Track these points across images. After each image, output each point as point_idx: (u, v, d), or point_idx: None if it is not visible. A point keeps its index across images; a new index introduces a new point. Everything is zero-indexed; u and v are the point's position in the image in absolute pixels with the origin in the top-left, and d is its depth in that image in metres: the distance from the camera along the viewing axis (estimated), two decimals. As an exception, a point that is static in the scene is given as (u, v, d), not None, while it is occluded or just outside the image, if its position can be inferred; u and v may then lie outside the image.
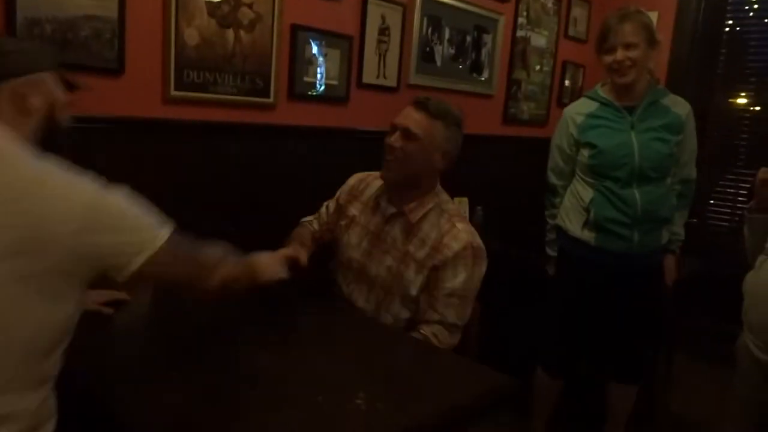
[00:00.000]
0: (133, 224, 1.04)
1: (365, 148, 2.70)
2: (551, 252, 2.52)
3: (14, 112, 1.06)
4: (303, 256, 1.75)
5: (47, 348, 1.01)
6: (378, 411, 1.21)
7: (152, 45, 1.97)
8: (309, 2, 2.40)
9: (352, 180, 2.02)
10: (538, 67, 3.74)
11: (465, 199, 3.28)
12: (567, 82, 3.99)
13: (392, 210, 1.83)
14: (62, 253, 0.96)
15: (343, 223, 1.95)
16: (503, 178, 3.57)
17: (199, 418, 1.13)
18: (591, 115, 2.31)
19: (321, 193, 2.12)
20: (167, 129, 2.06)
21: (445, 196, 1.87)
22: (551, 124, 3.90)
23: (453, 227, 1.76)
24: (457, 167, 3.16)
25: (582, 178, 2.33)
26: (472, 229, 1.82)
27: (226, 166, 2.23)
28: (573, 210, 2.35)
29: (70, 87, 1.22)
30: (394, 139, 1.75)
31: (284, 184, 2.40)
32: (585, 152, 2.29)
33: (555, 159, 2.48)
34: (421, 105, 1.75)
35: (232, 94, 2.20)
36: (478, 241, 1.78)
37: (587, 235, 2.27)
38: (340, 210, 1.98)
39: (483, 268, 1.78)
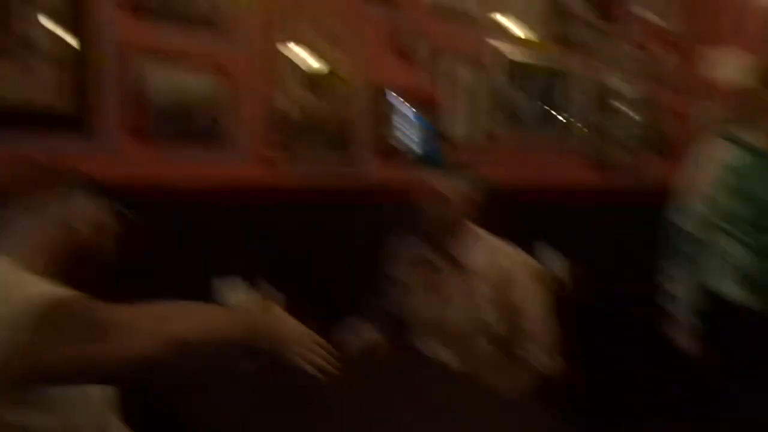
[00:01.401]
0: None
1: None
2: (683, 317, 2.10)
3: (41, 231, 1.07)
4: (378, 344, 1.84)
5: None
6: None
7: (253, 118, 2.15)
8: (392, 66, 2.53)
9: (394, 247, 2.05)
10: (625, 113, 3.66)
11: (550, 249, 3.19)
12: (656, 129, 3.86)
13: (439, 258, 1.89)
14: None
15: (399, 289, 1.99)
16: (596, 228, 3.46)
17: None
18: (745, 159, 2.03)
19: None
20: (266, 194, 2.19)
21: (481, 231, 1.92)
22: (645, 172, 3.78)
23: (501, 250, 1.86)
24: (541, 218, 3.15)
25: (730, 231, 2.05)
26: (521, 251, 1.91)
27: (321, 227, 2.29)
28: (722, 267, 2.02)
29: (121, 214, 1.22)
30: (427, 201, 1.86)
31: (375, 241, 2.46)
32: (739, 202, 2.04)
33: (695, 205, 2.12)
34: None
35: (325, 159, 2.33)
36: (530, 257, 1.91)
37: (746, 298, 1.94)
38: (393, 280, 2.02)
39: (545, 281, 1.89)
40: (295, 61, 2.23)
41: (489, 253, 1.85)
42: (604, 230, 3.46)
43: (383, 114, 2.50)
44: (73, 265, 1.07)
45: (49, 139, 1.74)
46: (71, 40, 1.74)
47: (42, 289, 0.93)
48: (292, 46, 2.21)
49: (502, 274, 1.80)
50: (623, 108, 3.64)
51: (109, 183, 1.22)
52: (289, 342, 1.16)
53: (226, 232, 1.98)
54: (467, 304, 1.82)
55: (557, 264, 3.16)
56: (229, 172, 2.10)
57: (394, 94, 2.53)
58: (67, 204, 1.11)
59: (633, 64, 3.66)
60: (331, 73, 2.33)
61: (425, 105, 2.65)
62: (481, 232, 1.90)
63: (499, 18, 2.93)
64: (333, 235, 2.33)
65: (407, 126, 2.60)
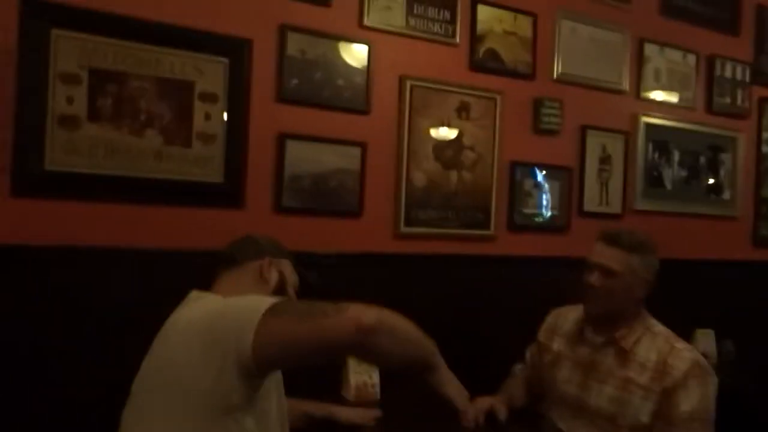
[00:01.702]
0: (239, 310, 1.12)
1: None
2: None
3: (256, 278, 1.41)
4: (502, 413, 1.79)
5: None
6: None
7: (386, 189, 2.26)
8: (526, 139, 2.55)
9: (550, 317, 2.01)
10: (793, 183, 3.33)
11: (710, 332, 2.94)
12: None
13: (601, 339, 1.78)
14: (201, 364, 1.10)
15: (548, 359, 1.92)
16: (757, 307, 3.14)
17: None
18: None
19: (541, 320, 2.12)
20: (398, 262, 2.28)
21: (652, 321, 1.79)
22: (817, 246, 3.40)
23: (672, 348, 1.68)
24: (698, 296, 2.93)
25: None
26: (693, 347, 1.75)
27: (450, 295, 2.36)
28: None
29: (302, 275, 1.54)
30: (595, 279, 1.73)
31: (505, 312, 2.45)
32: None
33: None
34: (612, 239, 1.74)
35: (455, 228, 2.38)
36: (703, 359, 1.70)
37: None
38: (542, 348, 1.96)
39: (715, 387, 1.67)
40: (433, 136, 2.33)
41: (659, 348, 1.69)
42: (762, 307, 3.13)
43: (518, 187, 2.51)
44: None
45: (210, 210, 1.97)
46: (233, 127, 1.97)
47: (268, 299, 1.14)
48: (429, 123, 2.31)
49: (669, 373, 1.64)
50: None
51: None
52: (451, 384, 1.32)
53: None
54: (619, 393, 1.70)
55: (710, 345, 2.91)
56: (363, 243, 2.22)
57: (528, 166, 2.54)
58: (283, 267, 1.46)
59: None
60: (468, 147, 2.39)
61: (563, 177, 2.62)
62: (655, 324, 1.77)
63: (651, 90, 2.87)
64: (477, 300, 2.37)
65: (543, 198, 2.58)
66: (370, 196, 2.23)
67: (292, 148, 2.07)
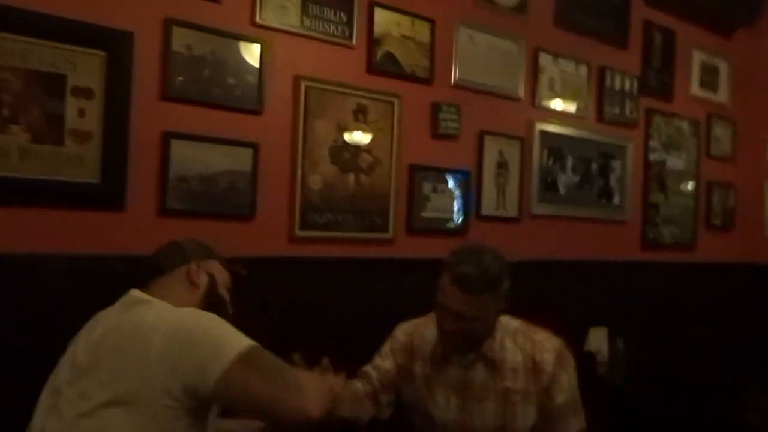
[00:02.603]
0: (214, 339, 1.18)
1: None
2: None
3: (186, 284, 1.43)
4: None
5: None
6: None
7: (280, 191, 2.21)
8: (425, 143, 2.57)
9: (400, 335, 1.89)
10: (678, 189, 3.55)
11: (603, 330, 3.06)
12: (716, 204, 3.72)
13: (471, 356, 1.73)
14: (155, 366, 1.13)
15: (413, 386, 1.81)
16: (647, 306, 3.31)
17: None
18: None
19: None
20: (292, 265, 2.23)
21: (503, 318, 1.76)
22: (699, 248, 3.63)
23: (534, 342, 1.73)
24: (593, 295, 3.04)
25: None
26: (547, 332, 1.77)
27: (348, 299, 2.33)
28: None
29: (234, 274, 1.58)
30: (448, 325, 1.65)
31: (404, 314, 2.43)
32: None
33: None
34: (465, 285, 1.60)
35: (352, 231, 2.35)
36: (560, 341, 1.76)
37: None
38: (402, 370, 1.83)
39: (573, 364, 1.75)
40: (330, 138, 2.29)
41: (521, 346, 1.71)
42: (653, 307, 3.30)
43: (417, 191, 2.52)
44: (210, 308, 1.38)
45: (88, 212, 1.85)
46: (112, 125, 1.85)
47: (242, 337, 1.21)
48: (326, 125, 2.27)
49: (541, 370, 1.67)
50: (676, 184, 3.53)
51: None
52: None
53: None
54: (502, 406, 1.70)
55: (603, 343, 3.03)
56: (257, 247, 2.15)
57: (427, 170, 2.56)
58: (212, 268, 1.49)
59: (687, 141, 3.57)
60: (366, 150, 2.38)
61: (462, 181, 2.65)
62: (514, 325, 1.77)
63: (546, 98, 2.95)
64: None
65: (442, 202, 2.60)
66: (264, 198, 2.16)
67: (178, 148, 1.97)
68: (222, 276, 1.51)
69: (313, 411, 1.18)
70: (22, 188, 1.73)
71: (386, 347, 1.90)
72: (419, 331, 1.86)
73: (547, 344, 1.72)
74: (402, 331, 1.91)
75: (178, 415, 1.17)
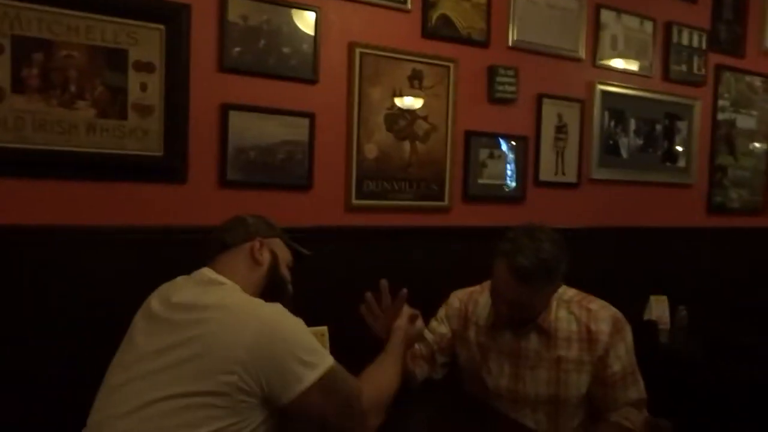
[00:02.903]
0: (300, 356, 1.19)
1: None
2: None
3: (249, 261, 1.41)
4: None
5: None
6: None
7: (336, 161, 2.20)
8: (481, 108, 2.51)
9: (455, 302, 1.89)
10: (748, 150, 3.37)
11: (664, 298, 2.98)
12: (788, 164, 3.52)
13: (522, 325, 1.71)
14: (233, 368, 1.14)
15: (467, 352, 1.83)
16: (711, 274, 3.20)
17: None
18: None
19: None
20: (349, 235, 2.24)
21: (559, 289, 1.72)
22: (769, 212, 3.46)
23: (589, 311, 1.69)
24: (654, 263, 2.96)
25: None
26: (603, 302, 1.73)
27: (405, 268, 2.33)
28: None
29: (296, 253, 1.56)
30: (504, 308, 1.65)
31: (460, 283, 2.43)
32: None
33: None
34: (520, 275, 1.56)
35: (408, 200, 2.34)
36: (616, 310, 1.72)
37: None
38: (457, 335, 1.85)
39: (630, 333, 1.72)
40: (385, 106, 2.27)
41: (577, 316, 1.69)
42: (717, 274, 3.19)
43: (473, 157, 2.48)
44: (270, 291, 1.39)
45: (151, 185, 1.90)
46: (172, 98, 1.88)
47: (325, 354, 1.25)
48: (381, 92, 2.25)
49: (596, 340, 1.65)
50: (746, 145, 3.36)
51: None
52: None
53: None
54: (554, 374, 1.68)
55: (664, 311, 2.95)
56: (314, 217, 2.17)
57: (483, 136, 2.50)
58: (275, 247, 1.48)
59: (759, 99, 3.38)
60: (422, 117, 2.34)
61: (519, 147, 2.59)
62: (569, 294, 1.74)
63: (607, 57, 2.83)
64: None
65: (499, 168, 2.55)
66: (320, 168, 2.17)
67: (236, 120, 1.99)
68: (284, 254, 1.51)
69: (374, 427, 1.30)
70: (88, 162, 1.79)
71: (441, 312, 1.92)
72: (474, 298, 1.86)
73: (602, 313, 1.69)
74: (457, 298, 1.91)
75: (251, 407, 1.18)
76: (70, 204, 1.79)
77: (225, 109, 1.97)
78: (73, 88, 1.74)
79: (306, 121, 2.11)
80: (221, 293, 1.30)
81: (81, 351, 1.74)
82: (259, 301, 1.29)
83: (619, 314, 1.72)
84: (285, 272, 1.50)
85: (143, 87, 1.84)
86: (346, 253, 2.22)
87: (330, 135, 2.18)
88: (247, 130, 2.01)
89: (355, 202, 2.23)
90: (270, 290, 1.40)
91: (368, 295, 1.66)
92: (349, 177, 2.22)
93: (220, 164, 1.99)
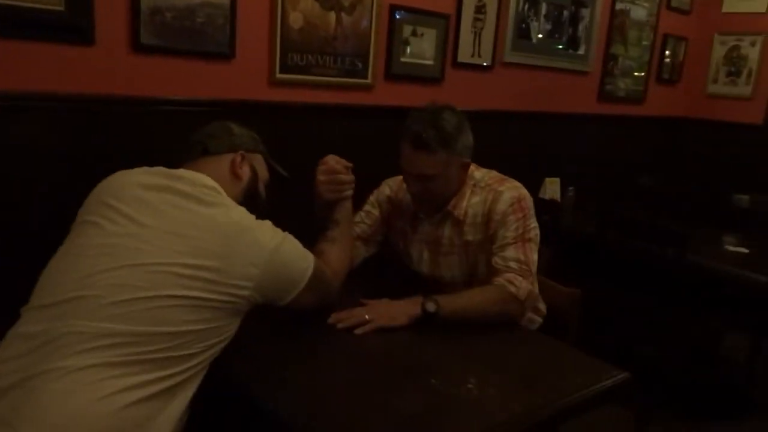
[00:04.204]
0: (293, 271, 1.28)
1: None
2: None
3: (230, 174, 1.37)
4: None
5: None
6: (490, 396, 1.23)
7: (260, 29, 2.03)
8: (408, -19, 2.39)
9: (386, 189, 1.91)
10: (636, 41, 3.57)
11: (556, 180, 3.21)
12: (667, 57, 3.80)
13: (438, 215, 1.77)
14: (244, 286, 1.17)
15: (393, 237, 1.90)
16: (598, 158, 3.47)
17: (326, 398, 1.20)
18: None
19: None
20: (272, 110, 2.12)
21: (476, 173, 1.76)
22: (649, 101, 3.76)
23: (496, 193, 1.70)
24: (549, 147, 3.14)
25: None
26: (516, 183, 1.74)
27: (326, 146, 2.27)
28: None
29: (274, 171, 1.52)
30: (412, 186, 1.69)
31: (380, 163, 2.43)
32: None
33: None
34: (419, 144, 1.59)
35: (332, 76, 2.24)
36: (524, 192, 1.72)
37: None
38: (386, 221, 1.89)
39: (533, 215, 1.71)
40: (307, -30, 2.08)
41: (484, 200, 1.71)
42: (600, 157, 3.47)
43: (396, 34, 2.39)
44: (247, 203, 1.34)
45: (52, 45, 1.64)
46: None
47: (309, 257, 1.33)
48: (303, -47, 2.05)
49: (492, 219, 1.68)
50: (636, 37, 3.54)
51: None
52: None
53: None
54: (464, 258, 1.76)
55: (557, 192, 3.19)
56: (237, 90, 2.02)
57: (408, 11, 2.41)
58: (256, 163, 1.45)
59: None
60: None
61: (441, 25, 2.53)
62: (479, 175, 1.76)
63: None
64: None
65: (421, 47, 2.49)
66: (243, 37, 1.99)
67: (149, -26, 1.74)
68: (263, 172, 1.48)
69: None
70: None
71: (373, 197, 1.93)
72: (401, 186, 1.86)
73: (505, 194, 1.70)
74: (387, 186, 1.92)
75: (238, 312, 1.21)
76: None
77: (138, -38, 1.71)
78: None
79: (229, -14, 1.89)
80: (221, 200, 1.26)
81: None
82: (258, 222, 1.27)
83: (521, 193, 1.71)
84: (262, 189, 1.45)
85: (36, -77, 1.53)
86: (269, 129, 2.10)
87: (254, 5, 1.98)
88: (165, -10, 1.77)
89: (279, 76, 2.09)
90: (245, 206, 1.33)
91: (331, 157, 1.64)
92: (273, 48, 2.06)
93: (132, 25, 1.75)
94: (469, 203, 1.73)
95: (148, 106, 1.84)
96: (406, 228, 1.85)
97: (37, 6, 1.57)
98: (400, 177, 1.90)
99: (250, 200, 1.37)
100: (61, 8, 1.61)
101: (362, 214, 1.88)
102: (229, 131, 1.42)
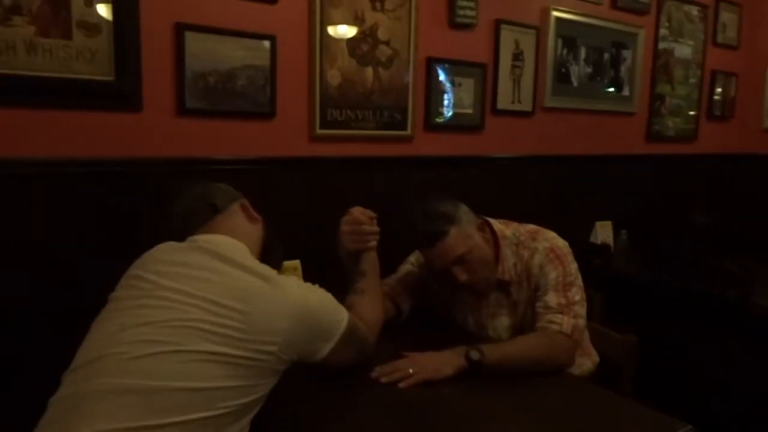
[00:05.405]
0: (325, 324, 1.24)
1: (501, 174, 2.68)
2: None
3: (248, 221, 1.39)
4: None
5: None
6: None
7: (300, 88, 2.09)
8: (442, 34, 2.43)
9: (419, 256, 1.87)
10: (683, 80, 3.50)
11: (608, 223, 3.12)
12: (718, 94, 3.69)
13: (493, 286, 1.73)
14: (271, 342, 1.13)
15: (434, 301, 1.85)
16: (649, 199, 3.36)
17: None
18: None
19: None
20: (314, 165, 2.16)
21: (505, 231, 1.75)
22: (701, 139, 3.65)
23: (530, 251, 1.69)
24: (599, 190, 3.06)
25: None
26: (549, 235, 1.73)
27: (368, 198, 2.28)
28: None
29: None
30: (460, 276, 1.64)
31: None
32: None
33: None
34: (432, 238, 1.62)
35: (372, 129, 2.27)
36: (559, 242, 1.71)
37: None
38: (425, 281, 1.85)
39: (572, 260, 1.68)
40: (347, 29, 2.15)
41: (521, 257, 1.70)
42: (652, 199, 3.36)
43: (434, 84, 2.42)
44: (270, 245, 1.39)
45: (104, 114, 1.73)
46: (121, 15, 1.69)
47: (342, 310, 1.30)
48: (342, 14, 2.12)
49: (532, 273, 1.67)
50: (683, 75, 3.48)
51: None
52: None
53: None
54: (513, 319, 1.73)
55: (609, 235, 3.10)
56: (278, 147, 2.07)
57: (444, 62, 2.44)
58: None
59: (695, 27, 3.48)
60: (384, 42, 2.24)
61: (478, 74, 2.55)
62: (518, 236, 1.73)
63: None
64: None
65: (459, 96, 2.51)
66: (283, 95, 2.05)
67: (193, 41, 1.83)
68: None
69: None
70: (30, 87, 1.60)
71: (411, 258, 1.91)
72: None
73: (540, 247, 1.68)
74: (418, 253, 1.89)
75: (272, 371, 1.17)
76: (10, 134, 1.60)
77: (180, 29, 1.81)
78: (6, 2, 1.53)
79: (267, 44, 1.97)
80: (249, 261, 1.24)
81: (32, 300, 1.61)
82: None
83: (555, 244, 1.69)
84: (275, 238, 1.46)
85: (88, 2, 1.64)
86: (310, 184, 2.15)
87: (292, 59, 2.05)
88: (205, 53, 1.86)
89: (319, 131, 2.14)
90: (270, 244, 1.38)
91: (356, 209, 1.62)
92: (312, 105, 2.11)
93: (178, 90, 1.83)
94: (512, 263, 1.71)
95: (194, 165, 1.90)
96: (446, 293, 1.81)
97: (89, 77, 1.67)
98: None
99: (271, 237, 1.41)
100: (111, 78, 1.71)
101: (394, 276, 1.87)
102: (218, 187, 1.43)
